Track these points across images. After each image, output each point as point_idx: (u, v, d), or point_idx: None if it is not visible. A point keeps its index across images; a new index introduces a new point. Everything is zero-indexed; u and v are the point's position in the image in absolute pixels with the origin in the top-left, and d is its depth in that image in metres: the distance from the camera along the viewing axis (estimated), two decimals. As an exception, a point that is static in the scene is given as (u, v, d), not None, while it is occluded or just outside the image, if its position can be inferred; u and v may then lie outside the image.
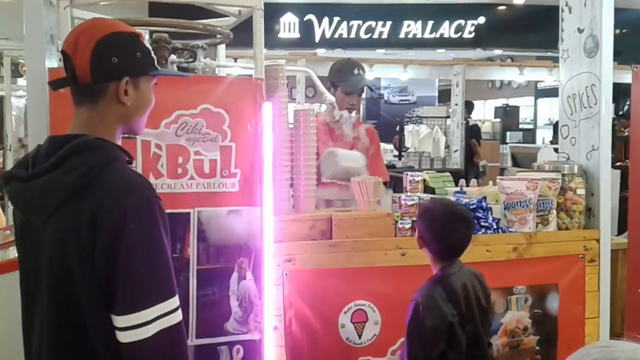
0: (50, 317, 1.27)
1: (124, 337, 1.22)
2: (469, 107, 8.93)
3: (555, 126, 8.68)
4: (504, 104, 13.87)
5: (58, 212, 1.24)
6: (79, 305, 1.24)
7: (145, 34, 3.08)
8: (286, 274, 2.30)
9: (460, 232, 1.98)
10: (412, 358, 1.91)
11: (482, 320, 1.99)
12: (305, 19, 8.84)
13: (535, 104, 13.81)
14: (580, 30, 2.80)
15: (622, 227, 3.61)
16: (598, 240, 2.70)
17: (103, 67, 1.30)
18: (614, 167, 3.93)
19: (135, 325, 1.21)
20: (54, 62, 2.05)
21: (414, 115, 9.15)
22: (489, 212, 2.59)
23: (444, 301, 1.90)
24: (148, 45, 1.39)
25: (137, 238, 1.22)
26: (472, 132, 8.37)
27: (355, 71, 3.03)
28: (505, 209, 2.63)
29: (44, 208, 1.25)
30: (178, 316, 1.27)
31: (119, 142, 1.39)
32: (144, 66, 1.36)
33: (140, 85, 1.36)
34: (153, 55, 1.40)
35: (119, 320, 1.22)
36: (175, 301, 1.26)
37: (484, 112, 14.94)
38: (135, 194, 1.25)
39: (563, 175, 2.73)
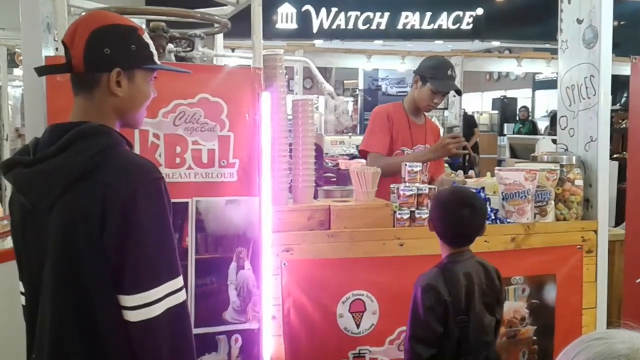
0: (54, 302, 1.28)
1: (133, 316, 1.24)
2: None
3: (553, 118, 8.69)
4: (501, 96, 13.86)
5: (66, 194, 1.25)
6: (86, 288, 1.26)
7: (142, 23, 3.07)
8: (284, 264, 2.30)
9: (464, 217, 1.95)
10: (413, 340, 1.91)
11: (482, 316, 1.94)
12: (303, 9, 8.82)
13: (533, 96, 13.82)
14: (579, 21, 2.79)
15: (619, 218, 3.62)
16: (596, 231, 2.70)
17: (95, 56, 1.31)
18: (611, 158, 3.93)
19: (145, 304, 1.24)
20: (50, 50, 2.04)
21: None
22: (487, 203, 2.60)
23: (442, 285, 1.90)
24: (148, 40, 1.39)
25: (147, 217, 1.24)
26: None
27: (449, 72, 3.01)
28: (503, 199, 2.63)
29: (51, 191, 1.26)
30: (183, 295, 1.30)
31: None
32: (138, 59, 1.37)
33: (135, 78, 1.36)
34: (152, 50, 1.40)
35: (129, 300, 1.24)
36: (180, 280, 1.30)
37: (482, 104, 14.93)
38: (143, 175, 1.27)
39: (561, 166, 2.73)
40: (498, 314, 2.01)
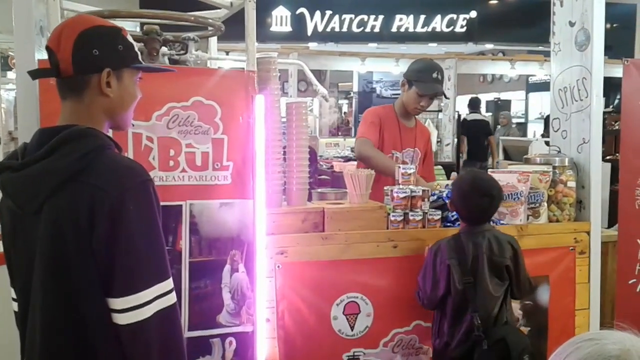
0: (44, 305, 1.27)
1: (122, 319, 1.24)
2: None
3: (547, 120, 8.70)
4: (495, 98, 13.90)
5: (53, 197, 1.25)
6: (75, 291, 1.25)
7: (136, 26, 3.07)
8: (278, 267, 2.30)
9: (481, 205, 2.25)
10: (422, 293, 2.31)
11: (487, 281, 2.20)
12: (297, 12, 8.81)
13: (527, 98, 13.86)
14: (571, 24, 2.81)
15: (612, 220, 3.63)
16: (588, 233, 2.72)
17: (84, 58, 1.31)
18: (604, 160, 3.95)
19: (135, 307, 1.23)
20: (43, 53, 2.03)
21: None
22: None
23: (449, 249, 2.23)
24: (131, 40, 1.40)
25: (135, 219, 1.24)
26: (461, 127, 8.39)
27: (435, 75, 3.01)
28: (496, 201, 2.64)
29: (38, 194, 1.26)
30: (174, 297, 1.30)
31: (110, 134, 1.41)
32: (125, 59, 1.37)
33: (123, 78, 1.37)
34: (136, 50, 1.41)
35: (118, 302, 1.24)
36: (170, 283, 1.30)
37: (476, 106, 14.92)
38: (131, 177, 1.27)
39: (554, 168, 2.75)
40: (508, 279, 2.25)
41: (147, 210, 1.27)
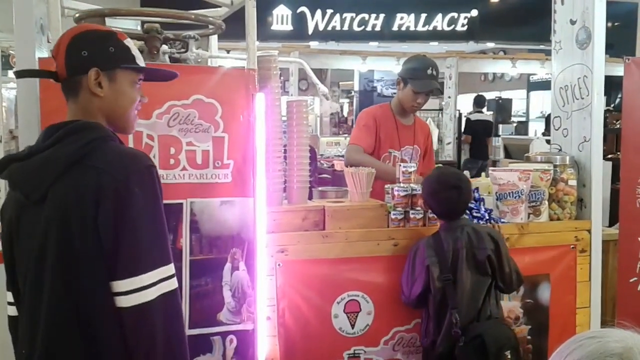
0: (51, 294, 1.28)
1: (125, 302, 1.25)
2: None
3: (548, 119, 8.68)
4: (496, 97, 13.88)
5: (58, 182, 1.27)
6: (81, 276, 1.26)
7: (136, 25, 3.07)
8: (279, 265, 2.30)
9: (451, 198, 2.27)
10: (403, 293, 2.33)
11: (467, 277, 2.21)
12: (298, 11, 8.81)
13: (528, 97, 13.85)
14: (572, 22, 2.80)
15: (613, 218, 3.63)
16: (589, 231, 2.71)
17: (74, 60, 1.35)
18: (605, 159, 3.94)
19: (138, 289, 1.25)
20: (43, 52, 2.04)
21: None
22: (482, 203, 2.61)
23: (428, 247, 2.25)
24: (127, 44, 1.42)
25: (141, 202, 1.26)
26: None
27: (429, 71, 3.00)
28: (497, 199, 2.64)
29: (43, 181, 1.28)
30: (175, 282, 1.32)
31: None
32: (116, 60, 1.39)
33: (117, 79, 1.39)
34: (134, 53, 1.43)
35: (121, 285, 1.25)
36: (172, 268, 1.32)
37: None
38: (136, 162, 1.30)
39: (555, 166, 2.75)
40: (491, 274, 2.25)
41: (152, 193, 1.29)
